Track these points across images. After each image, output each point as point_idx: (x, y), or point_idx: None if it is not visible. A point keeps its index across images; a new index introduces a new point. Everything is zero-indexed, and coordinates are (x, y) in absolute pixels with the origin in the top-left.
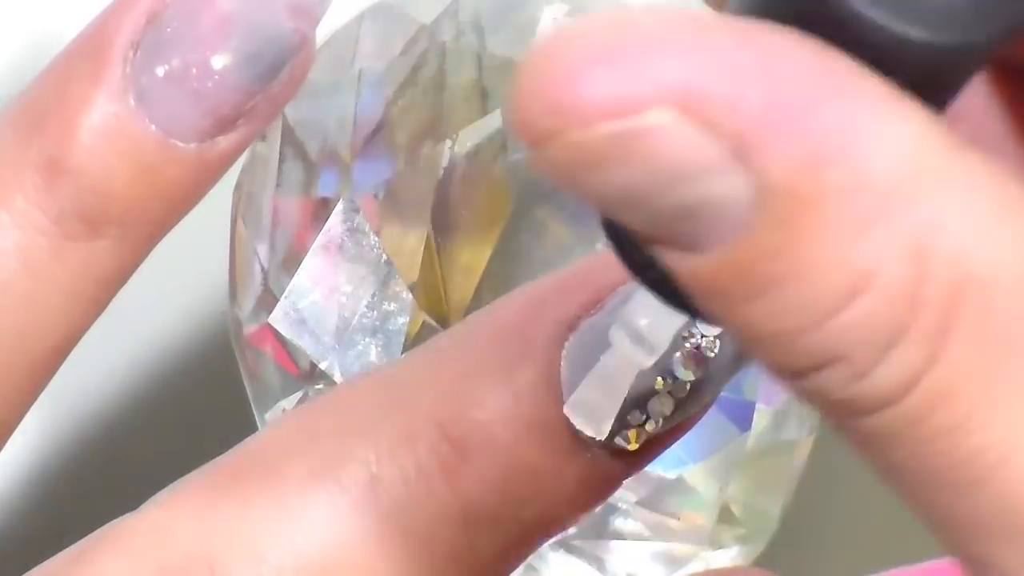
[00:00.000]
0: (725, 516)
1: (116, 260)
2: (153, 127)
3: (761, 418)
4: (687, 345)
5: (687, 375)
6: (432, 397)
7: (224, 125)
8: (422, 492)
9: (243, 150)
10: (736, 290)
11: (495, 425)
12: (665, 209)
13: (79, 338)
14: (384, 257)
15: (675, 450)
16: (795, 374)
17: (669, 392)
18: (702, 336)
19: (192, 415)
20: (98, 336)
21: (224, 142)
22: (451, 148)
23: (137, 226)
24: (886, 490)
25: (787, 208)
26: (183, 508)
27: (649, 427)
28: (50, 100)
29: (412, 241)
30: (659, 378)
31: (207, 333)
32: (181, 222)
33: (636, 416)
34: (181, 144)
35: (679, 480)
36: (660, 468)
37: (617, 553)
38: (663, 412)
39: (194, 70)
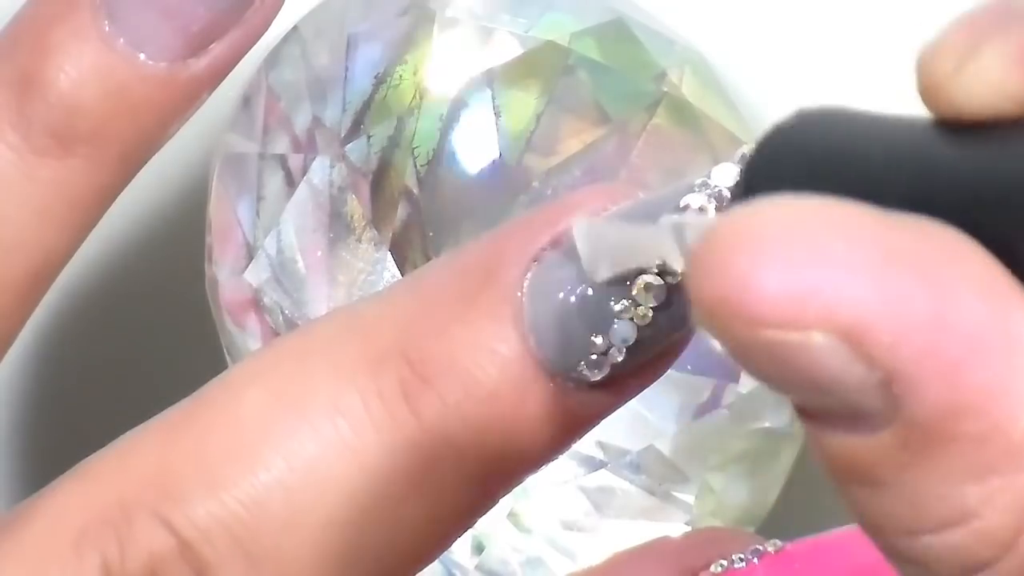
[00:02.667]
0: (709, 499)
1: (88, 181)
2: (124, 43)
3: (744, 400)
4: (647, 273)
5: (648, 300)
6: (394, 325)
7: (195, 46)
8: (382, 416)
9: (216, 77)
10: (848, 477)
11: (457, 350)
12: (805, 399)
13: (58, 264)
14: (372, 232)
15: (652, 420)
16: (883, 549)
17: (631, 318)
18: (665, 263)
19: (170, 374)
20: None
21: (195, 64)
22: (440, 127)
23: (108, 145)
24: None
25: (920, 438)
26: (145, 441)
27: (613, 355)
28: (26, 21)
29: (400, 214)
30: (621, 301)
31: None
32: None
33: (599, 343)
34: (151, 62)
35: (657, 452)
36: (637, 441)
37: (601, 533)
38: (625, 339)
39: None
